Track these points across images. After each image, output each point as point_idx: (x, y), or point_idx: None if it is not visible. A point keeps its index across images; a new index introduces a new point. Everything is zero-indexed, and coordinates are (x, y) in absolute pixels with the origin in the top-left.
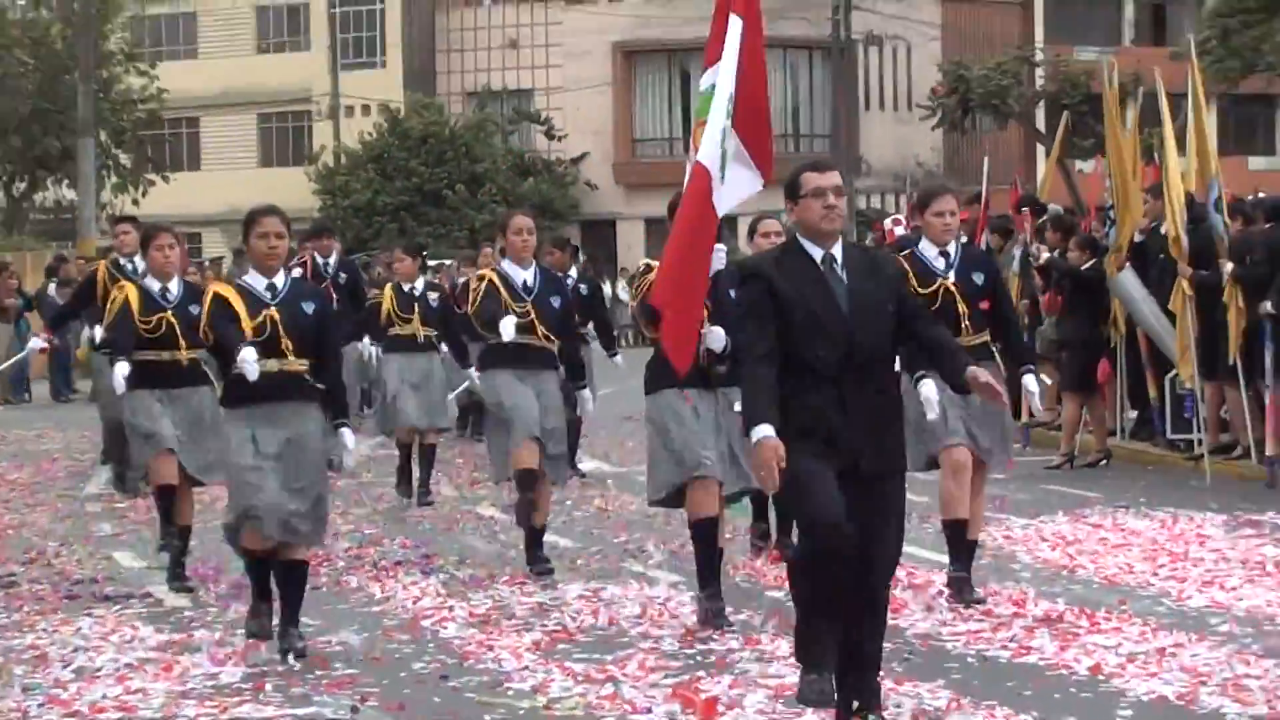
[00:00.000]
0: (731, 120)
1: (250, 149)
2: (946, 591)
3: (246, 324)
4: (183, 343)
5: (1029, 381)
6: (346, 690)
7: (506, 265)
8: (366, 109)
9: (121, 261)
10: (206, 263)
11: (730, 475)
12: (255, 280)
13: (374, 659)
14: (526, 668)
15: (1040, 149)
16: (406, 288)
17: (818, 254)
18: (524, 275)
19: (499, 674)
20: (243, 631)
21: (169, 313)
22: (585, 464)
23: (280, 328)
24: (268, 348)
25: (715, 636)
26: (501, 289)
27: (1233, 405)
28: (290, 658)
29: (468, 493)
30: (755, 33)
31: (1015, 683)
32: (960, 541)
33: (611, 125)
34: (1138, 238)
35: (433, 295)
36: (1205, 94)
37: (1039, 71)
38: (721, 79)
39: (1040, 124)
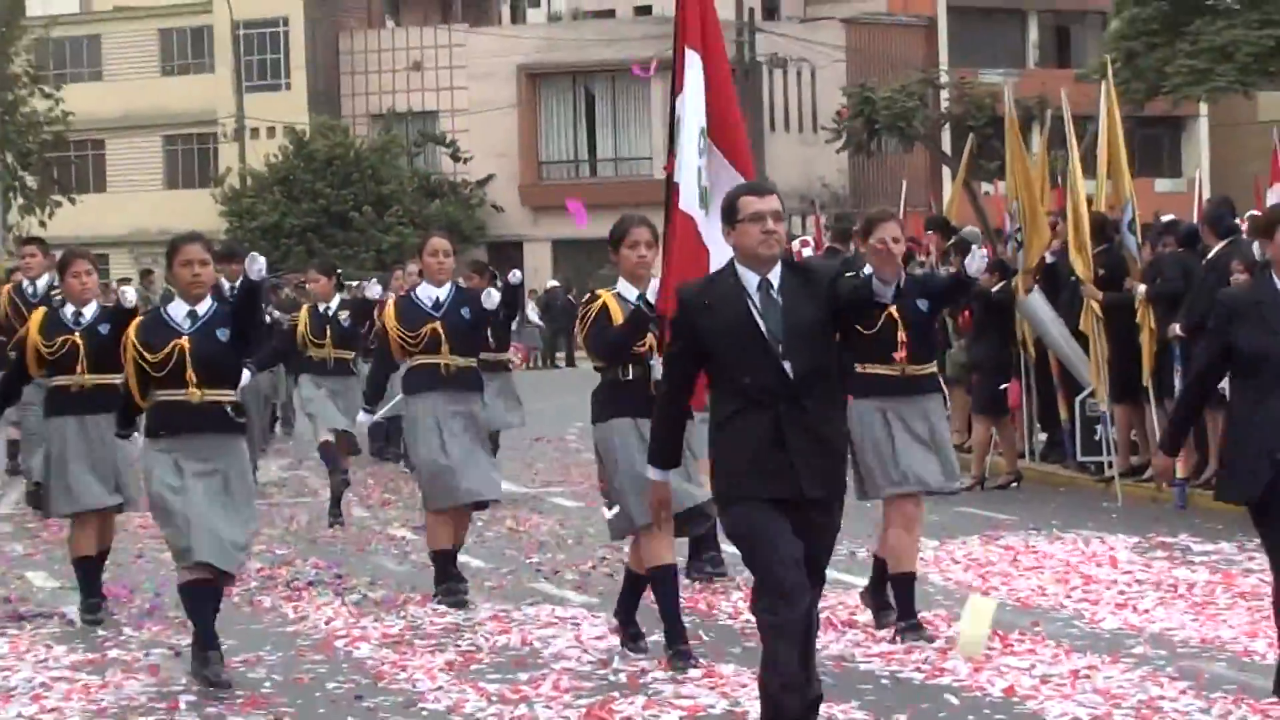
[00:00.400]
0: (706, 149)
1: (156, 171)
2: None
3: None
4: (84, 365)
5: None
6: (261, 710)
7: (421, 288)
8: (272, 131)
9: (24, 285)
10: (114, 284)
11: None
12: (176, 309)
13: (293, 679)
14: (440, 688)
15: (946, 171)
16: (321, 308)
17: (753, 280)
18: (437, 294)
19: (413, 694)
20: (157, 651)
21: (75, 335)
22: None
23: (187, 357)
24: (174, 378)
25: (627, 657)
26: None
27: (1144, 427)
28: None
29: (379, 513)
30: (719, 63)
31: (929, 704)
32: (907, 593)
33: (517, 147)
34: (1049, 259)
35: (344, 315)
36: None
37: (944, 94)
38: (688, 114)
39: (946, 146)
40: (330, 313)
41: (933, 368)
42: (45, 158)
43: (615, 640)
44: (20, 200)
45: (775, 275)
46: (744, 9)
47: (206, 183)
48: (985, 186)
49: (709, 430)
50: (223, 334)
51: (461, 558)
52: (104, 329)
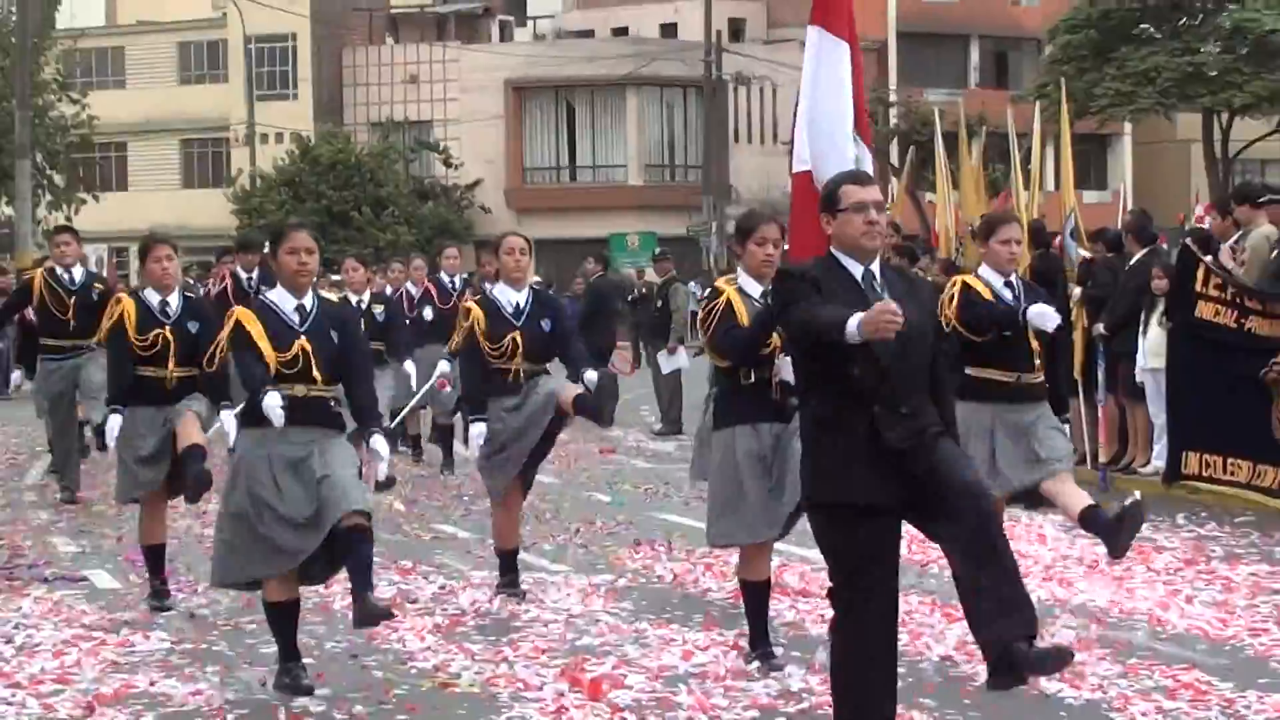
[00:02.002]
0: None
1: (173, 172)
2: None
3: (270, 355)
4: (173, 360)
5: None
6: (263, 667)
7: (498, 289)
8: (280, 137)
9: (59, 271)
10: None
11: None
12: (282, 299)
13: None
14: (428, 648)
15: (895, 181)
16: (354, 299)
17: (857, 270)
18: (516, 299)
19: (403, 653)
20: (169, 611)
21: (166, 329)
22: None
23: (311, 358)
24: (301, 376)
25: (598, 626)
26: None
27: (1073, 416)
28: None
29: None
30: (856, 52)
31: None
32: None
33: (503, 154)
34: None
35: (378, 309)
36: (1044, 134)
37: (893, 111)
38: (829, 99)
39: (894, 159)
40: (364, 305)
41: (1042, 375)
42: (72, 158)
43: (587, 606)
44: (49, 197)
45: (876, 268)
46: (712, 31)
47: (220, 183)
48: (929, 195)
49: (805, 427)
50: (334, 335)
51: (448, 529)
52: (193, 327)
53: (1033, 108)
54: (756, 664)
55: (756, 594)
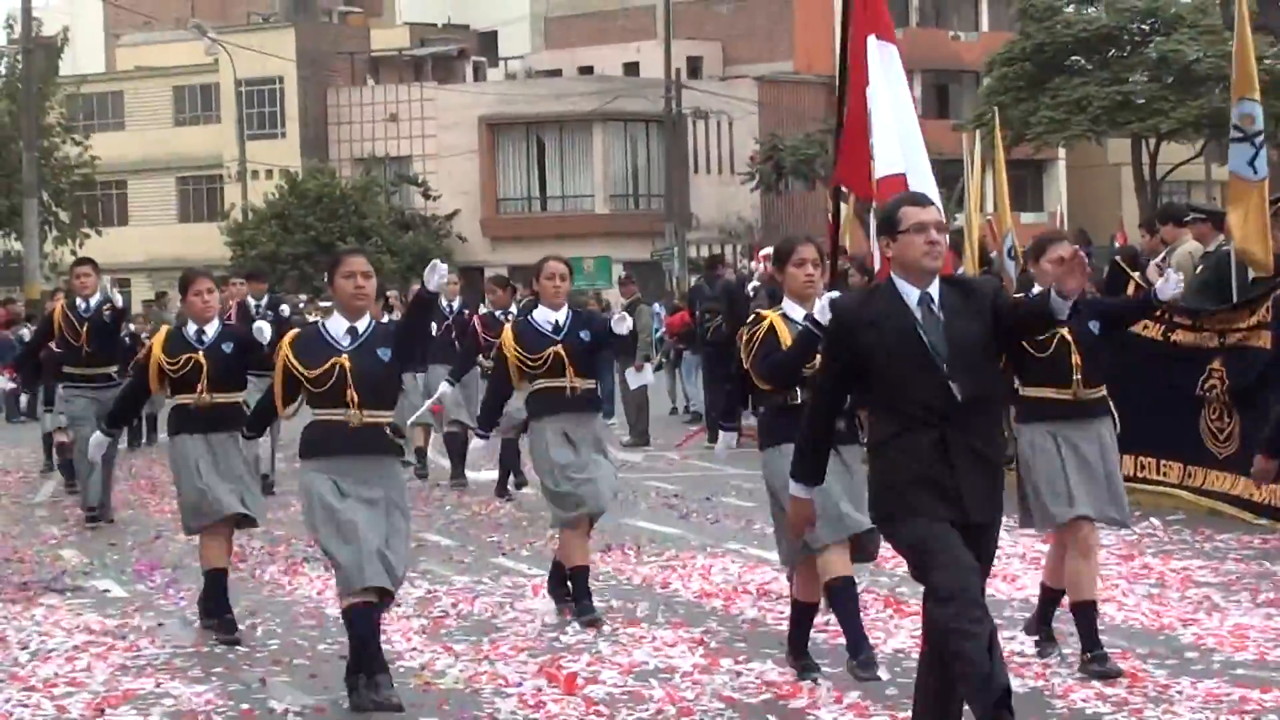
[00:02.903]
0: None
1: (170, 207)
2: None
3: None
4: (205, 384)
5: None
6: (261, 669)
7: (538, 311)
8: (269, 173)
9: (77, 301)
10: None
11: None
12: (336, 325)
13: (290, 641)
14: (415, 648)
15: (845, 206)
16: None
17: (913, 295)
18: (555, 317)
19: (391, 654)
20: (175, 618)
21: (199, 353)
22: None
23: (349, 375)
24: (333, 397)
25: (573, 625)
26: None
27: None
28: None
29: None
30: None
31: (827, 661)
32: (1089, 622)
33: (478, 186)
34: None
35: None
36: (985, 160)
37: None
38: (892, 104)
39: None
40: None
41: (1103, 391)
42: (76, 196)
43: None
44: (55, 233)
45: (935, 290)
46: (671, 69)
47: (214, 217)
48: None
49: (869, 447)
50: (384, 353)
51: (432, 537)
52: (227, 348)
53: (972, 136)
54: (810, 682)
55: (809, 615)
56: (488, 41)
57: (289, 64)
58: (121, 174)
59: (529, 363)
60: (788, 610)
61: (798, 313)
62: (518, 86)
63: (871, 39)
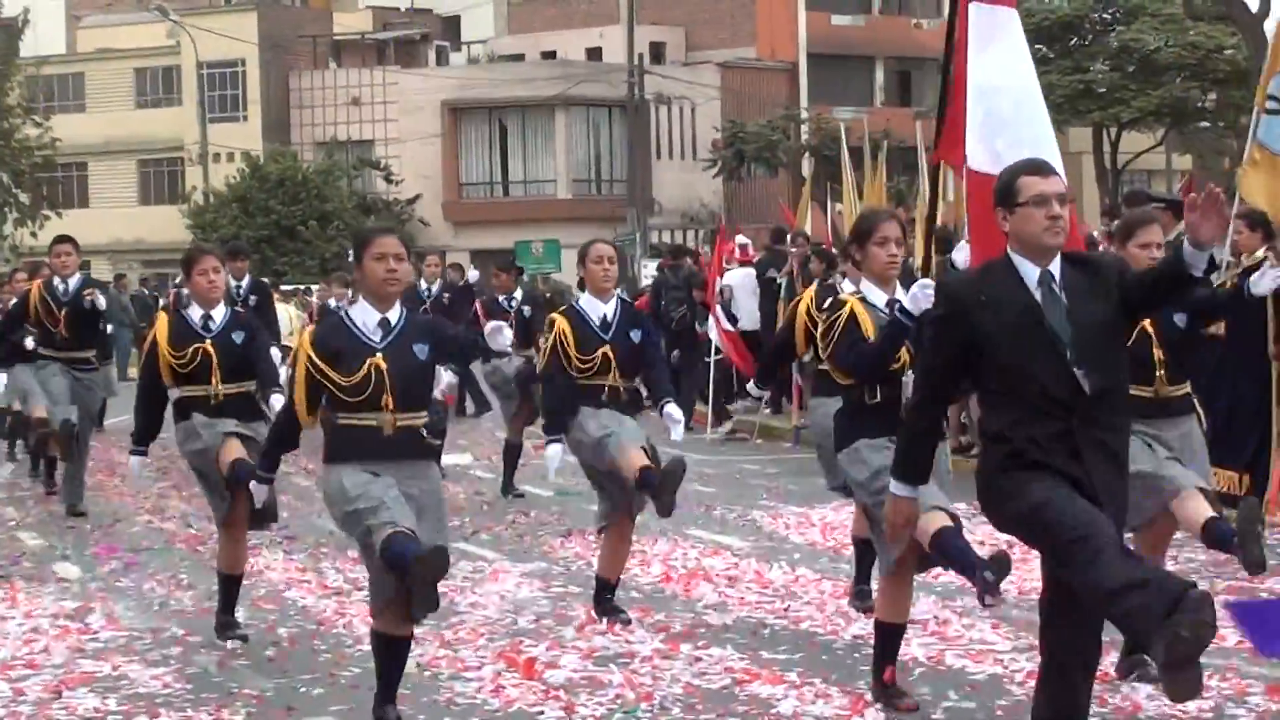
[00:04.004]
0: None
1: (131, 189)
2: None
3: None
4: (217, 376)
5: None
6: (220, 652)
7: (585, 300)
8: (231, 156)
9: (55, 282)
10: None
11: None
12: (363, 314)
13: (249, 624)
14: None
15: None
16: None
17: (1033, 273)
18: (604, 310)
19: (351, 637)
20: (133, 601)
21: (206, 343)
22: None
23: (386, 379)
24: (367, 402)
25: (534, 611)
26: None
27: (972, 411)
28: None
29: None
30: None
31: (787, 647)
32: None
33: (440, 171)
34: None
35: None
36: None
37: (804, 128)
38: (995, 72)
39: (805, 172)
40: None
41: (1187, 389)
42: (36, 178)
43: (525, 592)
44: (14, 214)
45: (1056, 268)
46: (634, 54)
47: (175, 200)
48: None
49: (981, 449)
50: (420, 350)
51: None
52: (238, 338)
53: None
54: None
55: (894, 637)
56: (451, 26)
57: (251, 47)
58: (82, 156)
59: (582, 363)
60: (748, 596)
61: (878, 297)
62: (480, 71)
63: (973, 5)
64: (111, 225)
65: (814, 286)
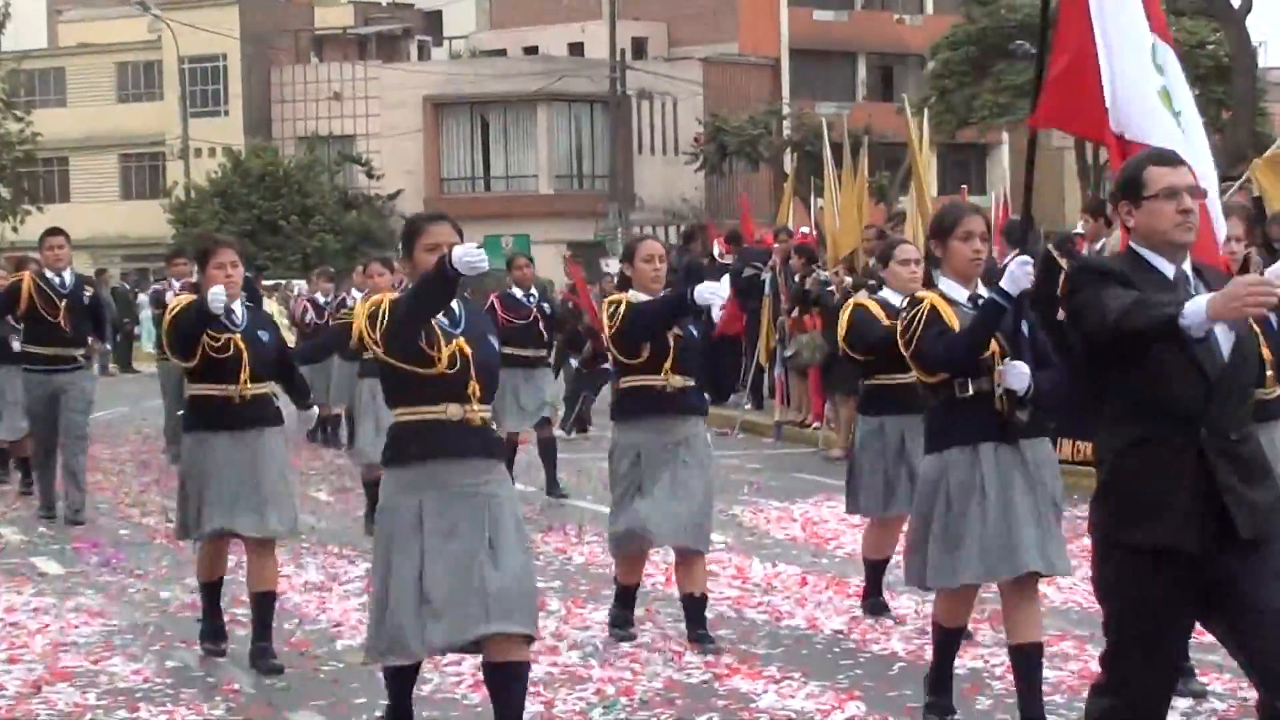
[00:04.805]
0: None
1: (113, 184)
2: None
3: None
4: (246, 373)
5: None
6: (199, 647)
7: (631, 296)
8: (212, 151)
9: (49, 275)
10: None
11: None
12: None
13: (231, 617)
14: (355, 626)
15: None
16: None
17: (1168, 271)
18: None
19: (329, 630)
20: (115, 597)
21: (237, 336)
22: None
23: (472, 367)
24: (451, 390)
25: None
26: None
27: None
28: None
29: (301, 478)
30: None
31: (766, 642)
32: None
33: (422, 166)
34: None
35: None
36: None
37: (786, 123)
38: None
39: (788, 168)
40: None
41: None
42: (17, 172)
43: None
44: None
45: (1189, 268)
46: (616, 49)
47: (156, 195)
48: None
49: (1106, 460)
50: (494, 341)
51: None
52: (264, 336)
53: (917, 118)
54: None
55: (954, 642)
56: (432, 20)
57: (233, 41)
58: (63, 151)
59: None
60: (728, 591)
61: (959, 293)
62: (462, 66)
63: None
64: (92, 220)
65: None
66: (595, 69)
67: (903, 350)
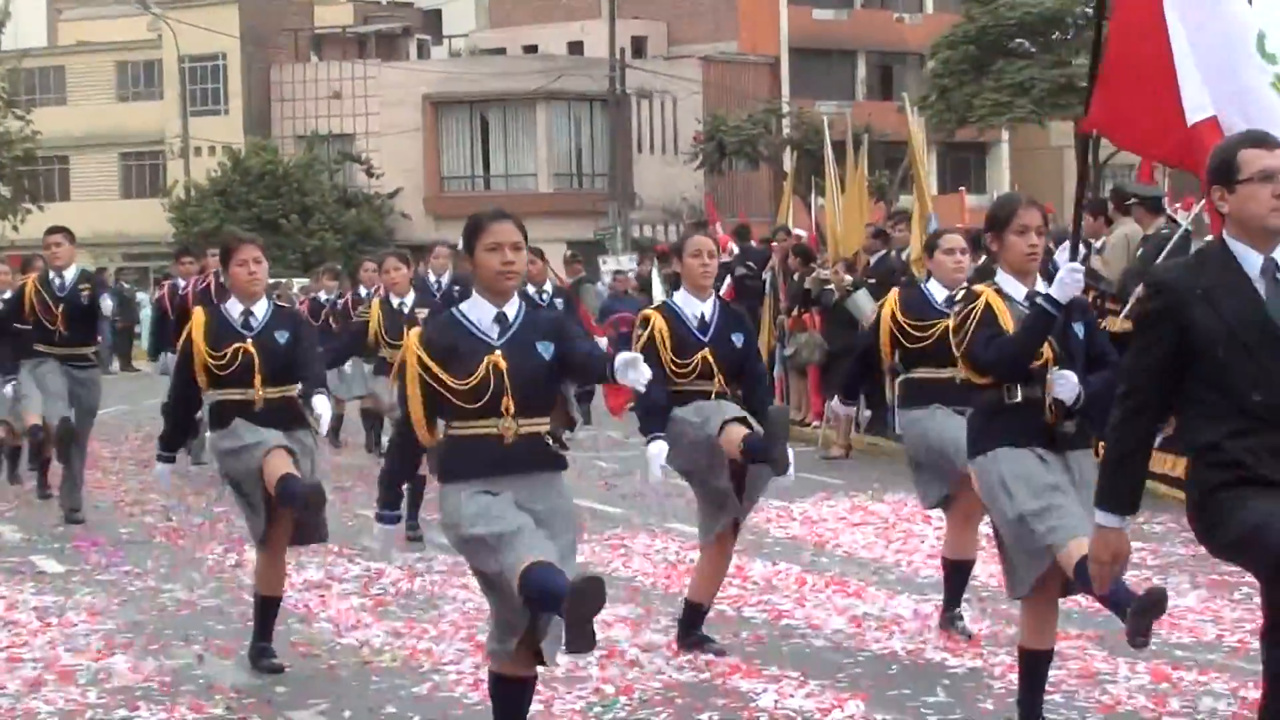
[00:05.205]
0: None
1: (113, 183)
2: None
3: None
4: (259, 378)
5: None
6: (198, 645)
7: (680, 297)
8: (212, 150)
9: (51, 276)
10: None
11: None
12: (478, 309)
13: (231, 613)
14: (354, 625)
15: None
16: (396, 303)
17: (1256, 262)
18: (702, 309)
19: (330, 631)
20: (116, 595)
21: (248, 342)
22: None
23: (506, 379)
24: (483, 409)
25: None
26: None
27: None
28: None
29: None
30: None
31: (766, 641)
32: None
33: (421, 165)
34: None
35: (421, 313)
36: (926, 143)
37: (785, 122)
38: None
39: (787, 166)
40: (407, 309)
41: None
42: (17, 171)
43: None
44: None
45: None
46: (616, 48)
47: (156, 193)
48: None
49: (1191, 465)
50: (545, 349)
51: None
52: (282, 337)
53: (917, 117)
54: None
55: (1040, 665)
56: (432, 19)
57: (232, 40)
58: (63, 149)
59: (677, 367)
60: (729, 589)
61: (1017, 290)
62: (462, 65)
63: None
64: (92, 218)
65: (896, 291)
66: (595, 68)
67: (954, 347)
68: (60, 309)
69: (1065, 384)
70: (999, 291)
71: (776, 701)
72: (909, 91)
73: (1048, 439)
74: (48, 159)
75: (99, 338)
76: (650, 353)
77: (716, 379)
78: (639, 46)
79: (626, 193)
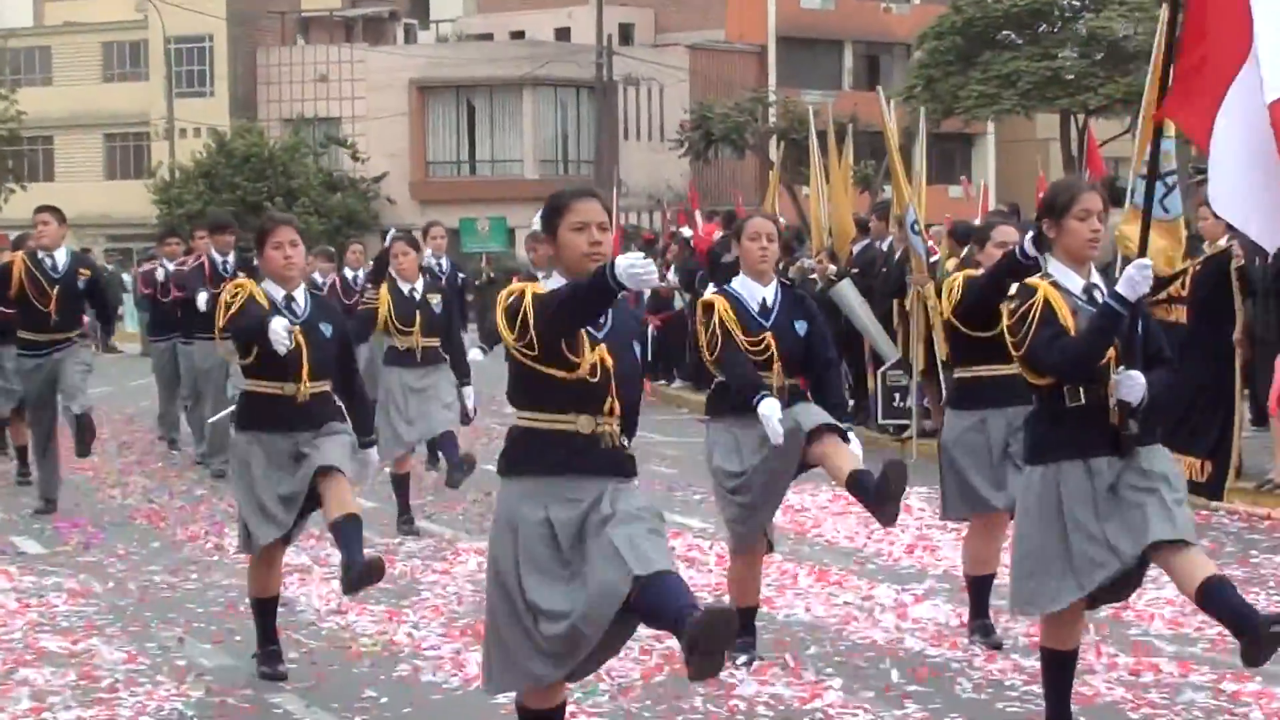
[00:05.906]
0: None
1: (97, 164)
2: None
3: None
4: (305, 369)
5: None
6: (178, 628)
7: (739, 282)
8: (198, 131)
9: (41, 257)
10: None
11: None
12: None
13: (211, 599)
14: (335, 610)
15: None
16: (406, 290)
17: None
18: (763, 293)
19: (309, 616)
20: (94, 576)
21: (297, 330)
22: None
23: (613, 378)
24: (595, 400)
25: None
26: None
27: (935, 396)
28: None
29: None
30: None
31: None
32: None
33: (407, 149)
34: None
35: (435, 299)
36: (906, 134)
37: (772, 111)
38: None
39: (773, 155)
40: (418, 295)
41: None
42: (2, 151)
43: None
44: None
45: None
46: (603, 35)
47: (141, 175)
48: (805, 190)
49: None
50: (636, 347)
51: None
52: (326, 330)
53: (901, 108)
54: None
55: (1063, 665)
56: (419, 4)
57: (219, 22)
58: (48, 129)
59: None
60: (709, 578)
61: (1074, 281)
62: (449, 50)
63: None
64: (77, 199)
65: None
66: (582, 54)
67: (1011, 349)
68: (55, 291)
69: (1131, 385)
70: (1054, 284)
71: (757, 690)
72: (896, 82)
73: (1112, 443)
74: (32, 139)
75: (109, 327)
76: (723, 337)
77: (775, 369)
78: (626, 33)
79: (613, 180)
